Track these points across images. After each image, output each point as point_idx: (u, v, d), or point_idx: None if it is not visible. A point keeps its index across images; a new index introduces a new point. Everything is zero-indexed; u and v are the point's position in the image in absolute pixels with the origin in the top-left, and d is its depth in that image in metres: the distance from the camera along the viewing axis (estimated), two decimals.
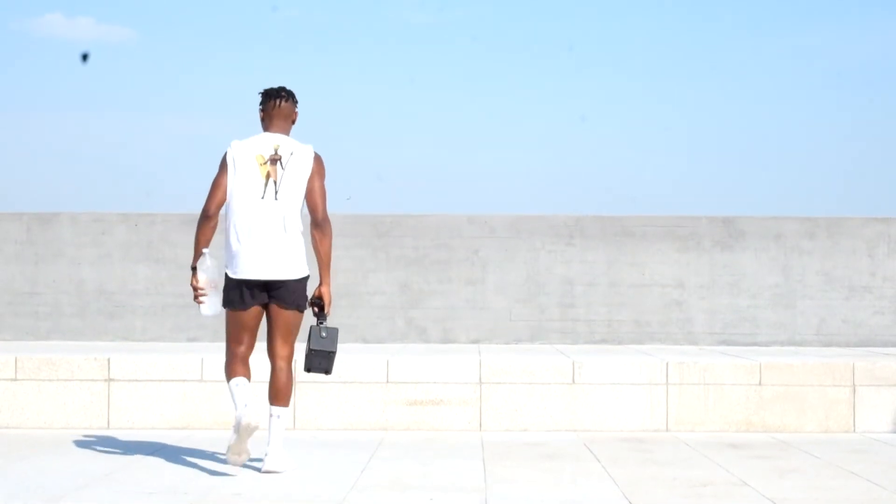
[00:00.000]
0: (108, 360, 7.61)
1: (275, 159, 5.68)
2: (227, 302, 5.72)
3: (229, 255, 5.67)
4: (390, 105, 23.01)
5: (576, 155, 22.09)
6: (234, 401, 5.66)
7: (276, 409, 5.72)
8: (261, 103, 5.85)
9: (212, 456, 6.35)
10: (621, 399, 7.59)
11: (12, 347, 8.89)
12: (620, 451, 6.66)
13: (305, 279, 5.78)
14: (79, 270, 10.49)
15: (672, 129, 22.08)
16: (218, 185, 5.69)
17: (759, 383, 7.60)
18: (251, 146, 5.70)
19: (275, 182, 5.65)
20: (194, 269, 5.71)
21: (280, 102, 5.81)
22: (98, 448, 6.62)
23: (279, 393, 5.72)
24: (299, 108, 5.94)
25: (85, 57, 19.78)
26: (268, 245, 5.61)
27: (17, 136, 22.60)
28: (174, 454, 6.42)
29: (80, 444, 6.80)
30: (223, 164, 5.71)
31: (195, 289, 5.70)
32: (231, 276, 5.68)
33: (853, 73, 22.35)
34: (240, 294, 5.66)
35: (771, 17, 22.74)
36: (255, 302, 5.69)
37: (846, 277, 10.47)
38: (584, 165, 21.85)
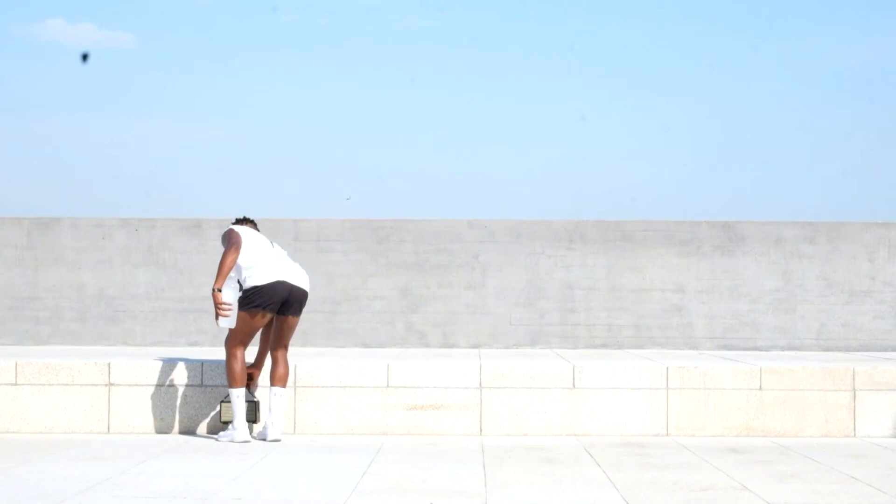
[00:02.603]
0: (109, 364, 7.61)
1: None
2: (259, 305, 7.07)
3: (260, 274, 7.09)
4: (390, 107, 23.05)
5: (575, 157, 22.11)
6: (234, 408, 7.17)
7: (278, 389, 7.23)
8: (236, 221, 7.47)
9: (212, 460, 6.35)
10: (622, 403, 7.59)
11: (13, 352, 8.90)
12: (621, 455, 6.66)
13: None
14: (79, 275, 10.50)
15: (672, 132, 22.09)
16: (236, 231, 7.18)
17: (760, 388, 7.60)
18: (247, 229, 7.34)
19: (276, 246, 7.42)
20: (219, 290, 7.00)
21: (248, 221, 7.53)
22: (98, 452, 6.62)
23: (282, 378, 7.27)
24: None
25: (85, 57, 19.79)
26: (289, 263, 7.30)
27: (18, 140, 22.62)
28: (174, 459, 6.42)
29: (81, 448, 6.81)
30: (234, 231, 7.18)
31: (223, 305, 7.02)
32: (262, 284, 7.07)
33: (853, 76, 22.37)
34: (271, 302, 7.09)
35: (771, 20, 22.77)
36: (275, 310, 7.18)
37: (846, 282, 10.48)
38: (584, 167, 21.87)
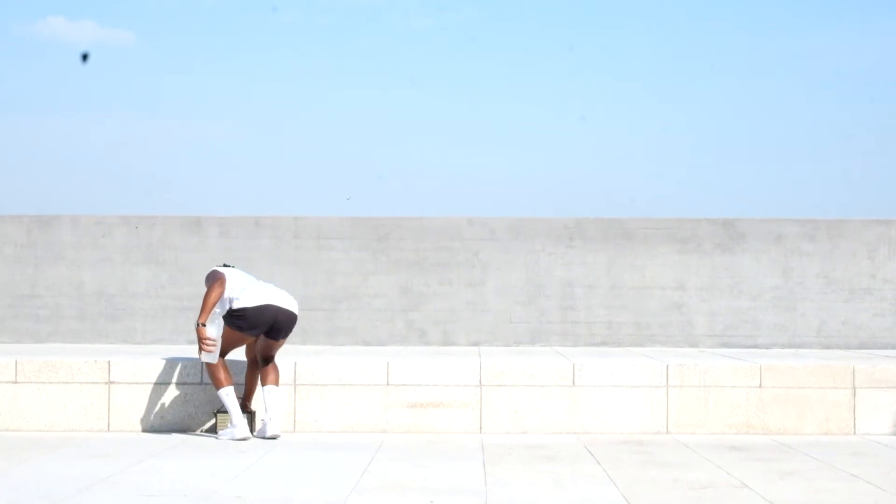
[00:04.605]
0: (109, 362, 7.61)
1: None
2: (245, 329, 7.13)
3: (251, 297, 7.15)
4: (390, 106, 23.04)
5: (575, 157, 22.11)
6: (229, 407, 7.15)
7: (270, 388, 7.24)
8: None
9: (212, 458, 6.35)
10: (621, 401, 7.59)
11: (13, 350, 8.90)
12: (621, 453, 6.66)
13: None
14: (79, 273, 10.50)
15: (672, 131, 22.10)
16: (220, 270, 7.27)
17: (760, 385, 7.60)
18: (230, 269, 7.42)
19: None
20: (203, 324, 7.05)
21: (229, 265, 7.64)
22: (98, 451, 6.62)
23: (272, 377, 7.27)
24: None
25: (85, 57, 19.80)
26: (281, 292, 7.36)
27: (19, 138, 22.62)
28: (174, 457, 6.42)
29: (81, 446, 6.81)
30: (218, 271, 7.26)
31: (207, 340, 7.04)
32: (251, 306, 7.11)
33: (853, 75, 22.37)
34: (259, 325, 7.13)
35: (771, 19, 22.76)
36: (262, 332, 7.21)
37: (846, 279, 10.47)
38: (584, 167, 21.87)
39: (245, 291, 7.16)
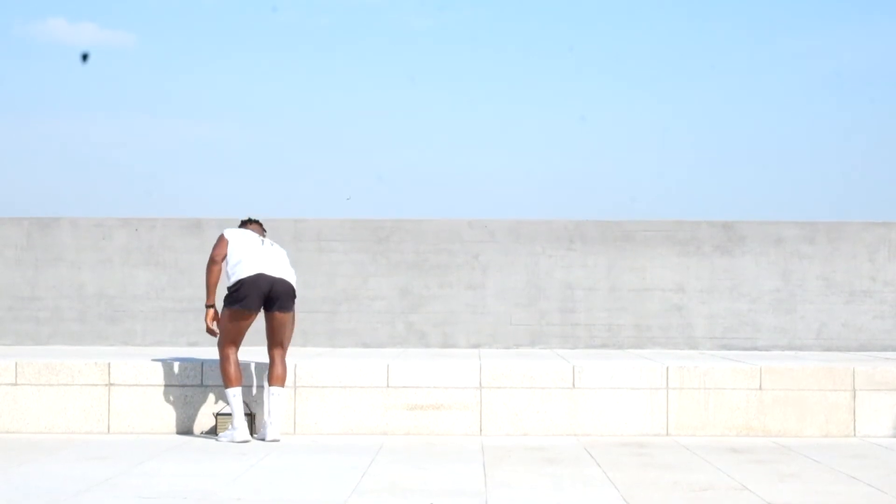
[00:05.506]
0: (109, 364, 7.61)
1: (261, 236, 7.49)
2: (241, 301, 7.02)
3: (244, 268, 7.08)
4: (390, 106, 23.05)
5: (575, 157, 22.13)
6: (232, 409, 7.17)
7: (276, 389, 7.23)
8: (242, 224, 7.59)
9: (212, 460, 6.35)
10: (622, 403, 7.59)
11: (13, 352, 8.90)
12: (621, 455, 6.66)
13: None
14: (79, 275, 10.50)
15: (672, 131, 22.11)
16: (221, 241, 7.24)
17: (760, 387, 7.60)
18: (241, 230, 7.37)
19: (267, 244, 7.35)
20: (210, 307, 7.24)
21: (252, 222, 7.61)
22: (98, 453, 6.62)
23: (279, 378, 7.25)
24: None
25: (85, 57, 19.82)
26: (276, 259, 7.23)
27: (19, 140, 22.63)
28: (174, 459, 6.42)
29: (81, 448, 6.81)
30: (222, 237, 7.26)
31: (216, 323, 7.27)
32: (245, 276, 7.04)
33: (853, 75, 22.38)
34: (253, 296, 7.04)
35: (771, 19, 22.77)
36: (258, 306, 7.10)
37: (846, 282, 10.47)
38: (584, 167, 21.89)
39: (240, 265, 7.08)
